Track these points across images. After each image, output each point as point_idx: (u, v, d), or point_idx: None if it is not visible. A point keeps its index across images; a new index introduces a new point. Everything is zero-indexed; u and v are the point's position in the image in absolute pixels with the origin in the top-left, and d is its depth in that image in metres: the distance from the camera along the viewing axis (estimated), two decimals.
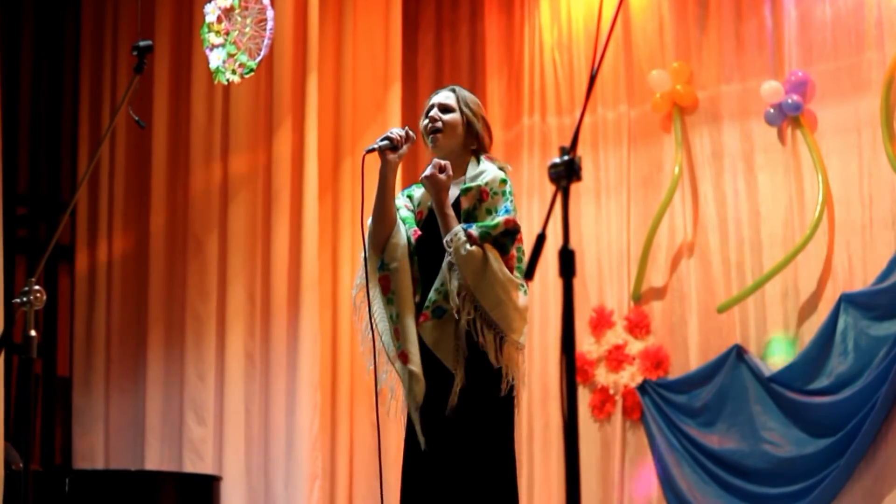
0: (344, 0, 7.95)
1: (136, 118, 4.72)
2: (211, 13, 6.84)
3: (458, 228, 4.48)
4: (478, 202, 4.54)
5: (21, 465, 5.91)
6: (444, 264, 4.50)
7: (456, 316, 4.44)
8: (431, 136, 4.67)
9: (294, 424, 7.40)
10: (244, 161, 7.79)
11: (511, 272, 4.51)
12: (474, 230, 4.46)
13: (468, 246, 4.43)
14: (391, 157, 4.58)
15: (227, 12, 6.78)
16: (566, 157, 2.95)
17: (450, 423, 4.48)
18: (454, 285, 4.45)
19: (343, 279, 7.73)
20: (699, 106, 7.75)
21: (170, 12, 8.13)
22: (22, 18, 8.72)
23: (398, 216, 4.69)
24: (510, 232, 4.50)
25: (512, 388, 4.51)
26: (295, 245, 7.58)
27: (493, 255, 4.45)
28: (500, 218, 4.49)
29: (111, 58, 8.39)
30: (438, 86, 8.67)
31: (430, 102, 4.73)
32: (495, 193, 4.54)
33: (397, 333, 4.56)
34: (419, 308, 4.58)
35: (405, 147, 4.62)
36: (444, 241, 4.49)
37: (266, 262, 7.67)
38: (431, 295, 4.53)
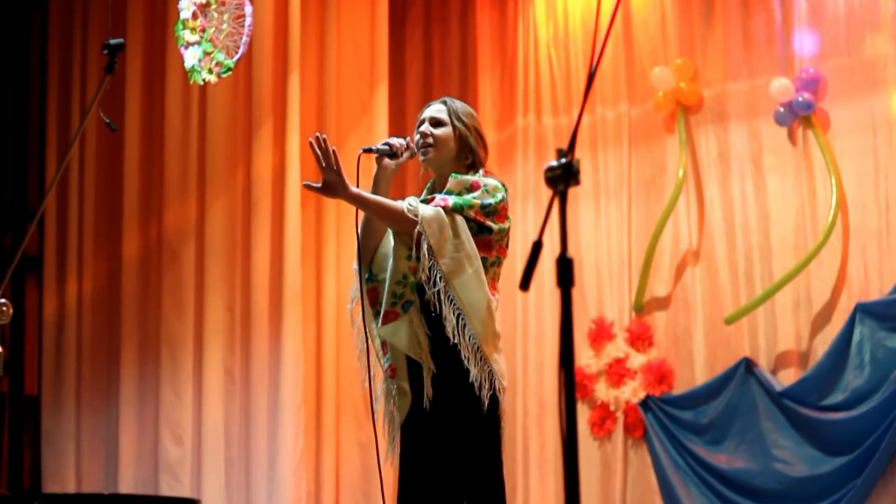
0: None
1: (108, 121, 4.73)
2: (186, 9, 6.84)
3: (411, 198, 4.56)
4: (465, 189, 4.56)
5: None
6: (392, 248, 4.55)
7: (425, 286, 4.44)
8: (422, 150, 4.70)
9: (276, 445, 7.39)
10: (222, 166, 7.78)
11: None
12: (450, 199, 4.49)
13: (432, 207, 4.47)
14: (388, 163, 4.64)
15: (203, 8, 6.78)
16: (563, 160, 2.95)
17: (431, 434, 4.51)
18: (424, 251, 4.44)
19: (327, 291, 7.72)
20: (704, 105, 7.75)
21: (142, 8, 8.13)
22: None
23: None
24: (481, 224, 4.50)
25: (494, 394, 4.49)
26: (276, 255, 7.57)
27: (464, 226, 4.47)
28: (475, 201, 4.50)
29: (80, 57, 8.39)
30: (427, 85, 8.76)
31: (422, 116, 4.77)
32: (486, 191, 4.56)
33: (385, 347, 4.62)
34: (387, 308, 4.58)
35: (404, 157, 4.71)
36: (404, 207, 4.48)
37: (246, 273, 7.66)
38: (395, 290, 4.53)
